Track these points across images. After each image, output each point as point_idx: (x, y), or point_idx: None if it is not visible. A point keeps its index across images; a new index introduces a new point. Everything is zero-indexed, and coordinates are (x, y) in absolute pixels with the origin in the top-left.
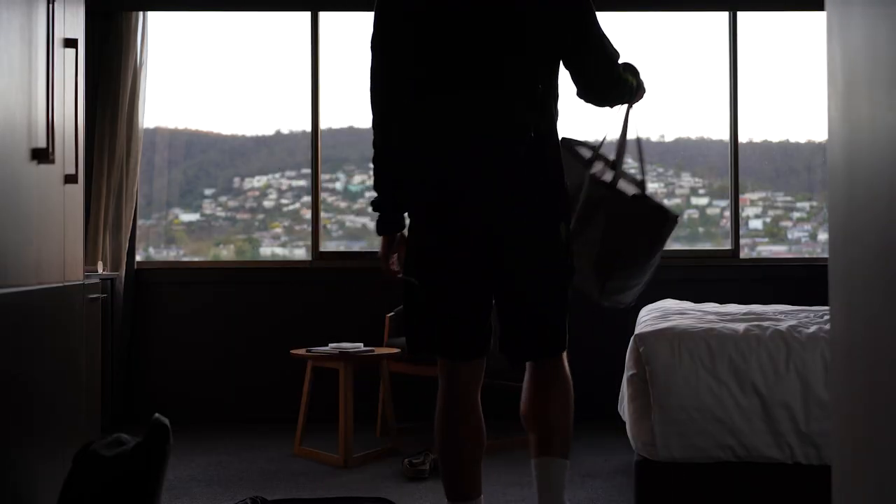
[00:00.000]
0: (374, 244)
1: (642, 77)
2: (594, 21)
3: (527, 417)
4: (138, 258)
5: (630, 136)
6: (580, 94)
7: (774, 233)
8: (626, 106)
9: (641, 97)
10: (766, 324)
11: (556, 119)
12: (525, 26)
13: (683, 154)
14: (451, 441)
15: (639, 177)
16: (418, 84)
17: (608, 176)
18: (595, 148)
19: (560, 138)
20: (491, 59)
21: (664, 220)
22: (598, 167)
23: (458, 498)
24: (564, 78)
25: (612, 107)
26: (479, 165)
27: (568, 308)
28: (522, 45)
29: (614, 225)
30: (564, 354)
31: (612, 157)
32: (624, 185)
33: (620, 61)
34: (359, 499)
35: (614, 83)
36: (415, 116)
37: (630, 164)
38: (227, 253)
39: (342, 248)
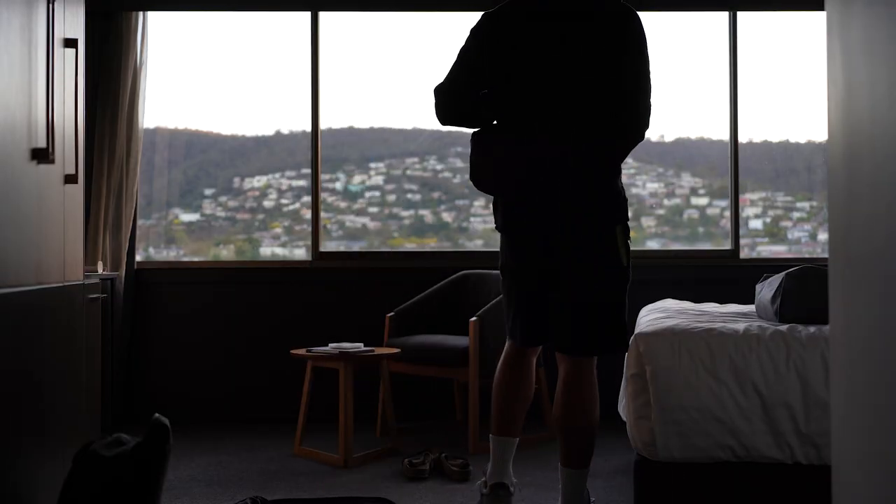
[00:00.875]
0: (374, 244)
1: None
2: (647, 69)
3: (556, 421)
4: (138, 258)
5: None
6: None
7: (774, 233)
8: None
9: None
10: (766, 324)
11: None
12: (586, 72)
13: (683, 154)
14: (504, 389)
15: None
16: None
17: None
18: None
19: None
20: (550, 97)
21: None
22: None
23: (501, 433)
24: None
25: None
26: (536, 179)
27: (622, 307)
28: (580, 86)
29: None
30: (594, 368)
31: None
32: None
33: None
34: (359, 499)
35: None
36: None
37: None
38: (227, 253)
39: (342, 248)
